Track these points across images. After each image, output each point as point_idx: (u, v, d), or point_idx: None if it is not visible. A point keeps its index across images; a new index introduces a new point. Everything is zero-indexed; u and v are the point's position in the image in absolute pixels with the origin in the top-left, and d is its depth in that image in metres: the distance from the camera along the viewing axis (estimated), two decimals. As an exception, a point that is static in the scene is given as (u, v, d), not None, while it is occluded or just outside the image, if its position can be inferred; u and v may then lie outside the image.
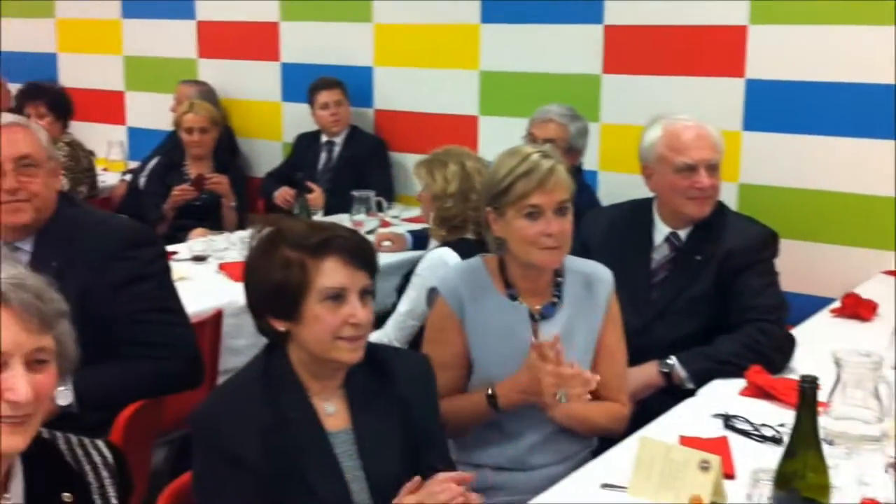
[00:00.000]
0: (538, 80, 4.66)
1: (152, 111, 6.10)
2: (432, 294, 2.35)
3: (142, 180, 5.43)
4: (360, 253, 1.82)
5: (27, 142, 2.34)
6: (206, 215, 4.74)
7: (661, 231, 2.85)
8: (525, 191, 2.20)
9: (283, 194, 4.97)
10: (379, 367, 1.89)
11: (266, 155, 5.67)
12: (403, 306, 3.11)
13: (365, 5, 5.16)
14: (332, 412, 1.84)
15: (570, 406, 2.16)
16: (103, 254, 2.29)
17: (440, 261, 3.05)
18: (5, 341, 1.37)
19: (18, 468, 1.46)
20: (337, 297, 1.78)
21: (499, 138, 4.73)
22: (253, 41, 5.62)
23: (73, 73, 6.41)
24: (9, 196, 2.29)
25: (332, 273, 1.77)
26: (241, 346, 3.30)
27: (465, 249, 3.06)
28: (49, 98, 5.33)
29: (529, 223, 2.21)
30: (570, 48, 4.55)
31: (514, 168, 2.24)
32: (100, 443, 1.59)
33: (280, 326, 1.82)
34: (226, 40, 5.74)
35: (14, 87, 6.40)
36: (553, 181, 2.21)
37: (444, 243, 3.14)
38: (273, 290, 1.79)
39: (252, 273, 1.84)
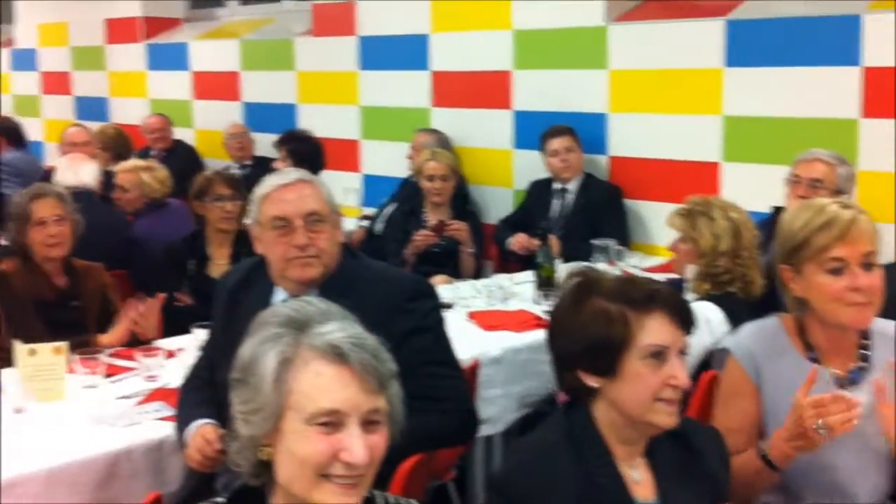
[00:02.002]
0: (788, 125, 4.45)
1: (386, 159, 6.28)
2: (722, 355, 2.23)
3: (379, 226, 5.59)
4: (683, 310, 1.75)
5: (314, 197, 2.40)
6: (445, 262, 4.79)
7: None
8: (825, 243, 2.06)
9: (520, 241, 4.95)
10: (680, 438, 1.80)
11: (497, 202, 5.70)
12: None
13: (600, 52, 5.12)
14: (638, 480, 1.76)
15: None
16: (386, 306, 2.30)
17: (701, 317, 2.92)
18: (344, 401, 1.38)
19: None
20: (659, 355, 1.71)
21: (744, 186, 4.56)
22: (486, 90, 5.69)
23: (312, 123, 6.68)
24: (299, 252, 2.36)
25: (657, 329, 1.71)
26: (494, 395, 3.30)
27: (730, 304, 2.94)
28: (292, 145, 5.59)
29: (833, 279, 2.06)
30: (824, 91, 4.33)
31: (809, 220, 2.10)
32: (413, 502, 1.58)
33: (592, 382, 1.75)
34: (459, 89, 5.84)
35: (260, 137, 6.82)
36: (856, 231, 2.06)
37: (707, 297, 3.01)
38: (590, 344, 1.73)
39: (562, 325, 1.80)
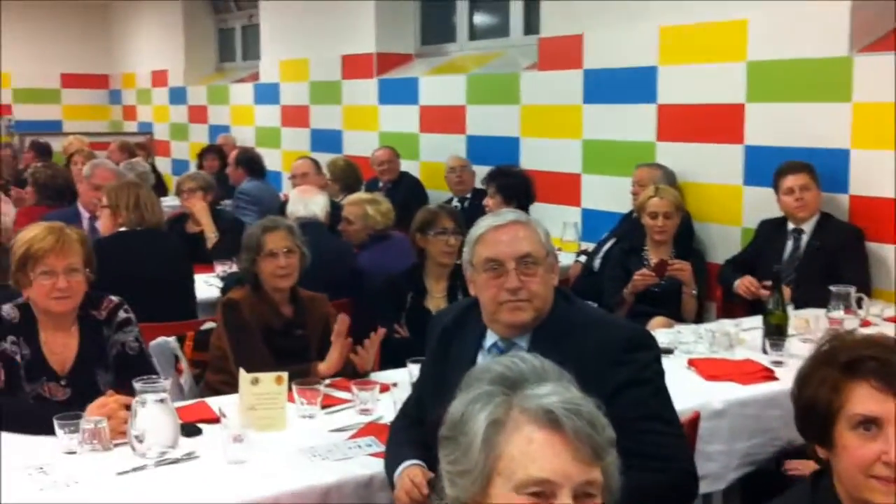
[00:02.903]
0: None
1: (607, 193, 6.16)
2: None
3: (596, 262, 5.47)
4: None
5: (529, 240, 2.34)
6: (665, 302, 4.61)
7: None
8: None
9: (747, 284, 4.68)
10: None
11: (723, 240, 5.44)
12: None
13: (844, 84, 4.78)
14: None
15: None
16: (602, 356, 2.20)
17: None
18: (555, 470, 1.29)
19: None
20: (869, 426, 1.54)
21: None
22: (715, 123, 5.46)
23: (534, 156, 6.68)
24: (510, 295, 2.30)
25: (864, 399, 1.55)
26: (715, 451, 3.11)
27: None
28: (500, 180, 5.55)
29: None
30: None
31: None
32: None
33: (819, 452, 1.61)
34: (686, 123, 5.64)
35: (481, 170, 6.87)
36: None
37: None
38: (804, 408, 1.61)
39: (795, 385, 1.66)
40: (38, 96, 13.65)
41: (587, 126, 6.32)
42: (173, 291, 4.44)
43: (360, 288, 4.65)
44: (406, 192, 7.26)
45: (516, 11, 7.42)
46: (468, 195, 7.03)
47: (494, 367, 1.42)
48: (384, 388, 3.12)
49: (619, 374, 2.21)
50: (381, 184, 7.52)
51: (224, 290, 4.84)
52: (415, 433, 2.48)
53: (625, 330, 2.34)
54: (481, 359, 2.41)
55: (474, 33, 8.01)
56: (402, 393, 2.95)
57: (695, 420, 2.92)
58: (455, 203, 6.91)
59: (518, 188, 5.52)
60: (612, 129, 6.14)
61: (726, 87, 5.37)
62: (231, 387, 3.43)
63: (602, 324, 2.36)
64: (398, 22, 8.41)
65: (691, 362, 3.50)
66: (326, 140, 9.06)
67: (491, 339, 2.40)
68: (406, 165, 7.73)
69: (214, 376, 3.60)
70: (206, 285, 5.03)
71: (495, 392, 1.36)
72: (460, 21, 8.04)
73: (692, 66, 5.58)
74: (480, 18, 8.04)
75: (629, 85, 5.95)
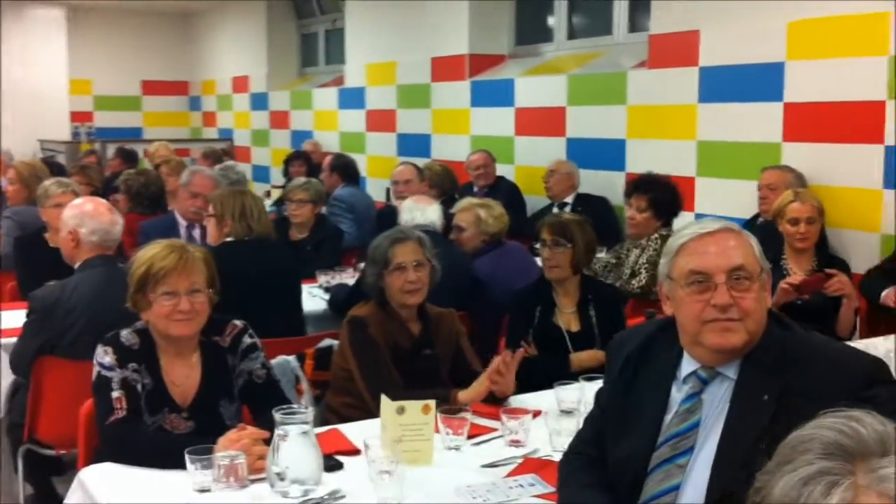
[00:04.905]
0: None
1: (725, 198, 5.79)
2: None
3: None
4: None
5: (741, 251, 2.02)
6: (813, 317, 4.20)
7: None
8: None
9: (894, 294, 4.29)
10: None
11: (859, 248, 5.03)
12: None
13: None
14: None
15: None
16: (840, 392, 1.84)
17: None
18: None
19: None
20: None
21: None
22: (851, 122, 5.06)
23: (642, 159, 6.32)
24: (718, 314, 1.98)
25: None
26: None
27: None
28: (654, 193, 4.99)
29: None
30: None
31: None
32: None
33: None
34: (817, 122, 5.25)
35: (585, 173, 6.54)
36: None
37: None
38: None
39: None
40: (119, 103, 13.67)
41: (702, 126, 5.95)
42: (283, 304, 4.20)
43: (477, 298, 4.36)
44: (503, 197, 6.91)
45: (620, 9, 7.06)
46: (568, 200, 6.69)
47: (825, 433, 1.10)
48: (535, 415, 2.82)
49: (859, 413, 1.86)
50: (475, 188, 7.23)
51: (332, 302, 4.59)
52: (596, 475, 2.17)
53: (863, 361, 1.98)
54: (675, 391, 2.09)
55: (573, 32, 7.68)
56: (557, 423, 2.66)
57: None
58: (555, 209, 6.58)
59: (672, 202, 5.00)
60: (731, 130, 5.76)
61: (865, 84, 4.97)
62: (355, 409, 3.17)
63: (833, 352, 2.00)
64: (492, 23, 8.11)
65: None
66: (414, 144, 8.80)
67: (688, 367, 2.07)
68: (501, 170, 7.42)
69: (337, 398, 3.33)
70: (311, 296, 4.78)
71: (837, 469, 1.05)
72: (558, 20, 7.71)
73: (825, 62, 5.18)
74: (580, 17, 7.70)
75: (752, 82, 5.57)
